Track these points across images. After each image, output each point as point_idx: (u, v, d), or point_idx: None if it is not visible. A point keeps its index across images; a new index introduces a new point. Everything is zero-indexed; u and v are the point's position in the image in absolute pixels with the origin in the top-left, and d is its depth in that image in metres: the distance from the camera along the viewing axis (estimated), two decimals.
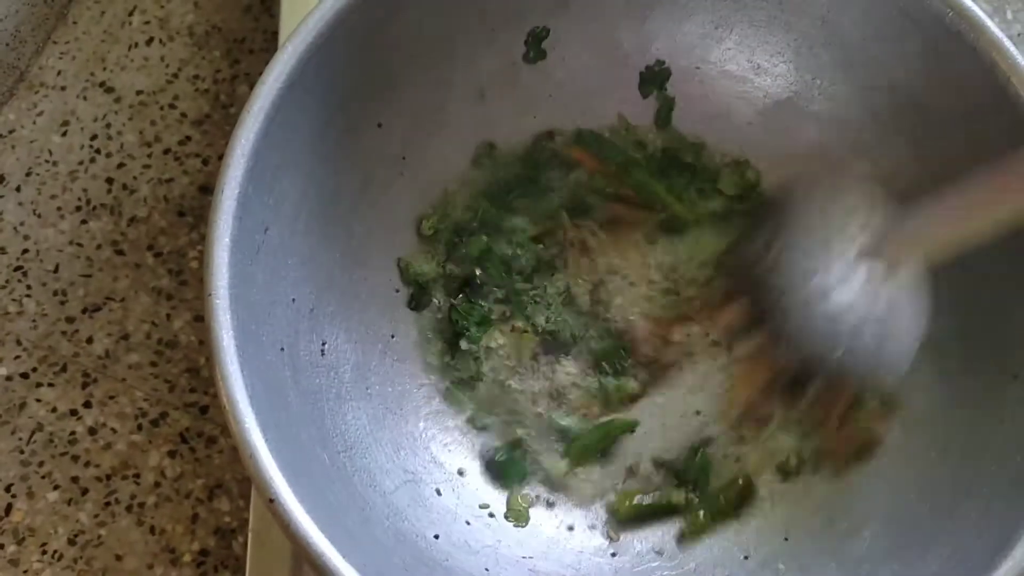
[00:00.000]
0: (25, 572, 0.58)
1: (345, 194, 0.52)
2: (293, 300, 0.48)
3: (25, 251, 0.65)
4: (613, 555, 0.52)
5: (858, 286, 0.43)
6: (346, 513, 0.45)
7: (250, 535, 0.52)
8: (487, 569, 0.49)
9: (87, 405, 0.61)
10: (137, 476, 0.60)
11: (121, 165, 0.67)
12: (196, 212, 0.66)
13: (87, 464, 0.60)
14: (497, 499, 0.53)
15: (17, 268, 0.64)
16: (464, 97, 0.56)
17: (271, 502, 0.39)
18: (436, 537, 0.49)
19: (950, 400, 0.50)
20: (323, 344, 0.50)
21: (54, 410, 0.61)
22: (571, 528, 0.53)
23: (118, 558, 0.58)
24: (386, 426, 0.52)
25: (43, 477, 0.60)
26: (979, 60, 0.48)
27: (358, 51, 0.49)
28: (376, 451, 0.51)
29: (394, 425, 0.53)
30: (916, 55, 0.50)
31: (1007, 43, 0.48)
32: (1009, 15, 0.71)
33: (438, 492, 0.52)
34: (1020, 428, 0.46)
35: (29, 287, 0.64)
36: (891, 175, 0.53)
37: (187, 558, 0.58)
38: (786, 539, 0.51)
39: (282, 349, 0.46)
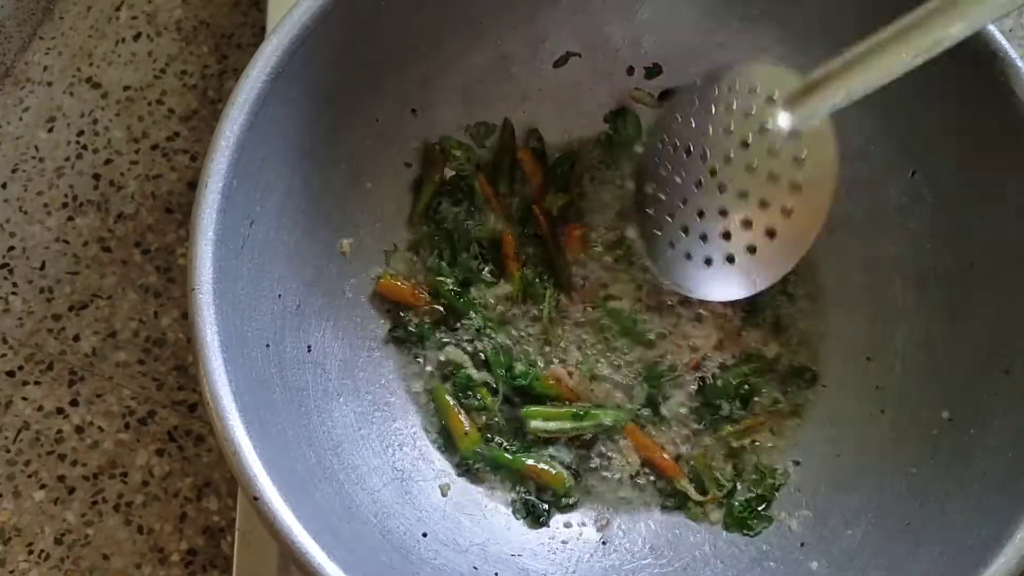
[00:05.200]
0: (11, 572, 0.57)
1: (332, 189, 0.52)
2: (279, 296, 0.48)
3: (11, 248, 0.64)
4: (604, 552, 0.52)
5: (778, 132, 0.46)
6: (332, 511, 0.45)
7: (237, 534, 0.52)
8: (476, 567, 0.48)
9: (74, 403, 0.61)
10: (124, 475, 0.59)
11: (108, 161, 0.66)
12: (184, 209, 0.65)
13: (74, 463, 0.60)
14: (486, 495, 0.53)
15: (3, 265, 0.64)
16: (453, 91, 0.56)
17: (255, 500, 0.39)
18: (424, 535, 0.49)
19: (940, 396, 0.50)
20: (310, 341, 0.50)
21: (40, 408, 0.61)
22: (567, 525, 0.53)
23: (105, 557, 0.58)
24: (374, 423, 0.52)
25: (29, 476, 0.59)
26: (970, 54, 0.48)
27: (344, 44, 0.49)
28: (364, 448, 0.50)
29: (382, 422, 0.53)
30: None
31: (998, 36, 0.47)
32: None
33: (426, 489, 0.51)
34: (1011, 424, 0.46)
35: (15, 284, 0.63)
36: (883, 168, 0.53)
37: (175, 557, 0.58)
38: (776, 536, 0.51)
39: (267, 345, 0.46)
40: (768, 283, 0.48)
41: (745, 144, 0.47)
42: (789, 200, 0.46)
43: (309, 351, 0.50)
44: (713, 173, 0.48)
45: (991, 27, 0.47)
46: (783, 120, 0.46)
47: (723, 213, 0.48)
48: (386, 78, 0.53)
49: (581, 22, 0.56)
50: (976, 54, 0.48)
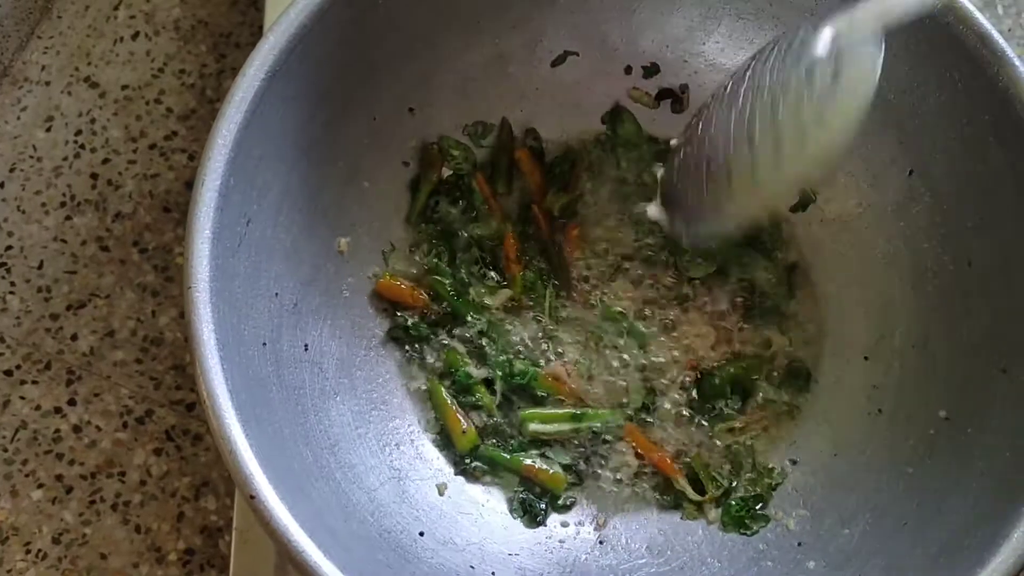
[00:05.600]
0: (8, 572, 0.57)
1: (329, 187, 0.52)
2: (276, 295, 0.48)
3: (9, 247, 0.64)
4: (601, 552, 0.52)
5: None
6: (329, 510, 0.45)
7: (234, 533, 0.52)
8: (472, 567, 0.48)
9: (71, 403, 0.61)
10: (122, 474, 0.59)
11: (106, 161, 0.66)
12: (182, 208, 0.65)
13: (72, 462, 0.59)
14: (483, 495, 0.53)
15: (1, 264, 0.64)
16: (451, 90, 0.56)
17: (251, 498, 0.39)
18: (421, 534, 0.49)
19: (938, 395, 0.50)
20: (307, 339, 0.50)
21: (38, 408, 0.61)
22: (564, 524, 0.53)
23: (103, 557, 0.58)
24: (371, 422, 0.52)
25: (27, 475, 0.59)
26: (968, 52, 0.48)
27: (341, 42, 0.49)
28: (361, 447, 0.50)
29: (379, 421, 0.52)
30: (904, 48, 0.50)
31: (996, 35, 0.47)
32: (1000, 10, 0.71)
33: (424, 489, 0.51)
34: (1009, 423, 0.46)
35: (13, 284, 0.63)
36: (880, 167, 0.53)
37: (173, 557, 0.58)
38: (773, 535, 0.51)
39: (264, 344, 0.46)
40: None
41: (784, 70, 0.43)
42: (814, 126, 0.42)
43: (306, 350, 0.50)
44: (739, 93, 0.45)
45: (988, 27, 0.48)
46: (824, 41, 0.42)
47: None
48: (383, 77, 0.53)
49: (579, 21, 0.56)
50: (974, 53, 0.48)
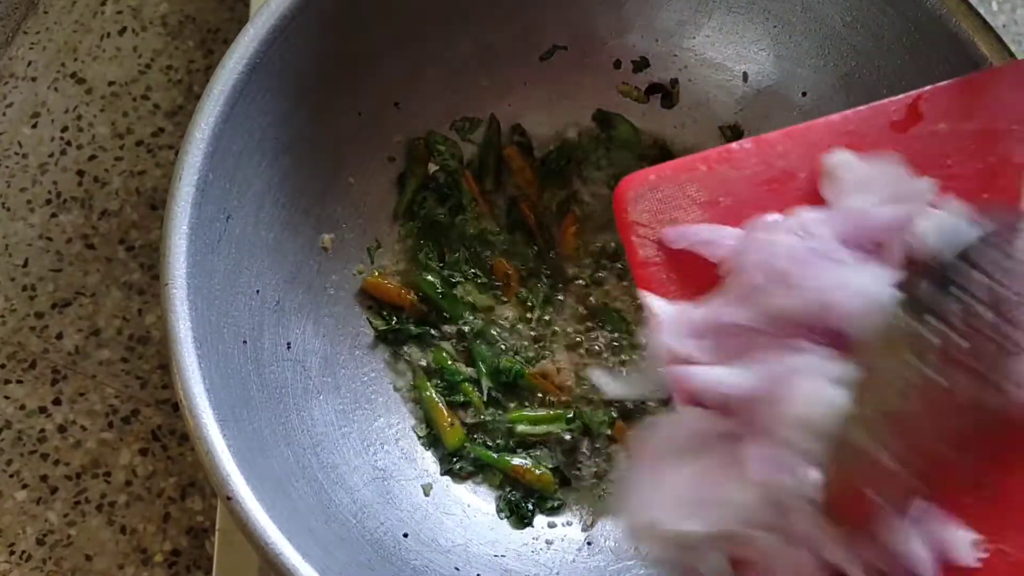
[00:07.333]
0: None
1: (312, 183, 0.51)
2: (257, 292, 0.47)
3: None
4: (589, 553, 0.52)
5: None
6: (310, 511, 0.44)
7: (217, 534, 0.52)
8: (457, 568, 0.48)
9: (56, 402, 0.60)
10: (108, 475, 0.59)
11: (92, 157, 0.66)
12: None
13: (56, 462, 0.59)
14: (469, 495, 0.53)
15: None
16: (437, 85, 0.56)
17: (228, 500, 0.38)
18: (405, 536, 0.48)
19: None
20: (289, 338, 0.50)
21: (23, 407, 0.60)
22: (552, 525, 0.52)
23: (88, 558, 0.57)
24: (355, 421, 0.51)
25: (11, 476, 0.59)
26: (962, 46, 0.47)
27: (325, 35, 0.48)
28: (344, 447, 0.50)
29: (363, 420, 0.52)
30: (898, 41, 0.50)
31: (991, 30, 0.47)
32: (994, 6, 0.70)
33: (408, 489, 0.51)
34: None
35: None
36: None
37: (159, 558, 0.57)
38: None
39: (245, 342, 0.45)
40: None
41: None
42: None
43: (289, 348, 0.49)
44: None
45: (984, 20, 0.47)
46: None
47: None
48: (368, 71, 0.52)
49: (567, 15, 0.55)
50: (968, 48, 0.47)
